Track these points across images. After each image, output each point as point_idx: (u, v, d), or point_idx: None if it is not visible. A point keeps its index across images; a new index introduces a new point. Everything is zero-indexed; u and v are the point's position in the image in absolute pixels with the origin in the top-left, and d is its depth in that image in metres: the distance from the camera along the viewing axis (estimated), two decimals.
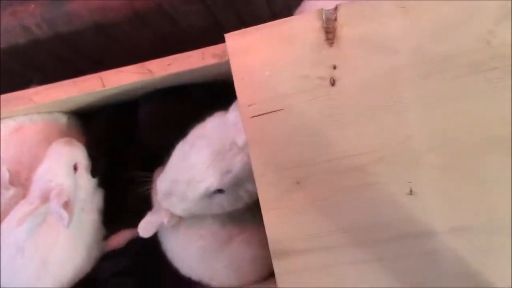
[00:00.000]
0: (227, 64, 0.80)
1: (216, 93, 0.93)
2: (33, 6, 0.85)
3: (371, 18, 0.69)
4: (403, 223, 0.68)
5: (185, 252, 0.91)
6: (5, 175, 0.88)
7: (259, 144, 0.72)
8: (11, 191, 0.90)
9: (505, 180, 0.66)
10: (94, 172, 0.93)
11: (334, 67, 0.70)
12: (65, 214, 0.80)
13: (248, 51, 0.73)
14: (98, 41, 0.93)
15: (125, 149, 0.98)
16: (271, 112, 0.72)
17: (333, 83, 0.70)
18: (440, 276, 0.68)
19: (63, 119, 0.98)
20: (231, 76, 0.84)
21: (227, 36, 0.74)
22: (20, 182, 0.91)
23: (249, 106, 0.72)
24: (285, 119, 0.71)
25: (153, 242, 0.98)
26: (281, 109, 0.71)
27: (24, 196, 0.91)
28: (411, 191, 0.68)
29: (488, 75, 0.66)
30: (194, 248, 0.89)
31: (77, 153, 0.90)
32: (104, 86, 0.83)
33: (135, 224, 0.99)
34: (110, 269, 0.93)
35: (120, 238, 0.97)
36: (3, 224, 0.88)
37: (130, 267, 0.94)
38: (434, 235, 0.68)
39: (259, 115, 0.72)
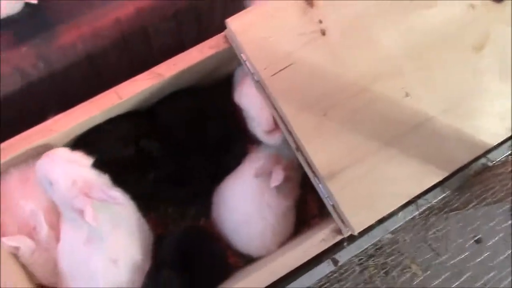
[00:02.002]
0: (224, 52, 0.95)
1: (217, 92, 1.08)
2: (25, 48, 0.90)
3: None
4: (409, 118, 0.88)
5: None
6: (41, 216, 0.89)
7: (284, 94, 0.87)
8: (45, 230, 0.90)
9: (463, 63, 0.91)
10: None
11: (320, 22, 0.90)
12: (116, 193, 0.85)
13: (250, 27, 0.89)
14: (90, 70, 1.00)
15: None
16: (285, 68, 0.88)
17: (323, 33, 0.89)
18: (447, 147, 0.89)
19: None
20: (228, 65, 0.99)
21: (229, 20, 0.89)
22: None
23: (265, 69, 0.88)
24: (297, 70, 0.88)
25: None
26: (292, 63, 0.88)
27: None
28: (406, 93, 0.89)
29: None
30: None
31: (64, 152, 0.91)
32: (121, 98, 0.91)
33: None
34: None
35: None
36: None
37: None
38: (432, 119, 0.89)
39: (276, 73, 0.88)
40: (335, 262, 0.94)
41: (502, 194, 0.86)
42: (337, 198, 0.85)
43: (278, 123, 0.90)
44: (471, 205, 0.98)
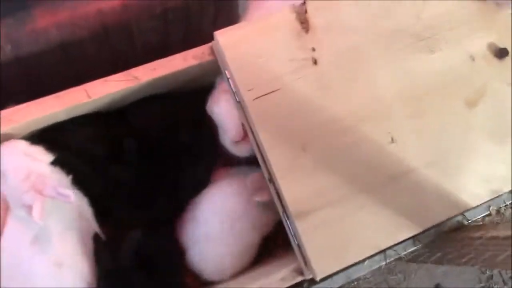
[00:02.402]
0: (207, 64, 0.89)
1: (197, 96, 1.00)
2: None
3: (332, 7, 0.86)
4: (392, 166, 0.83)
5: None
6: None
7: (264, 121, 0.81)
8: None
9: (454, 116, 0.86)
10: None
11: (313, 49, 0.84)
12: (69, 192, 0.79)
13: (240, 44, 0.83)
14: (63, 60, 0.92)
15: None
16: (270, 92, 0.82)
17: (315, 62, 0.84)
18: (426, 202, 0.84)
19: None
20: (210, 76, 0.93)
21: (217, 33, 0.83)
22: None
23: (249, 90, 0.82)
24: (282, 97, 0.82)
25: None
26: (278, 89, 0.82)
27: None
28: (392, 139, 0.84)
29: (423, 42, 0.87)
30: None
31: (22, 144, 0.86)
32: (89, 97, 0.84)
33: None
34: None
35: None
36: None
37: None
38: (415, 171, 0.84)
39: (260, 96, 0.82)
40: None
41: (476, 261, 0.81)
42: (304, 239, 0.80)
43: (255, 150, 0.84)
44: (440, 266, 0.94)
